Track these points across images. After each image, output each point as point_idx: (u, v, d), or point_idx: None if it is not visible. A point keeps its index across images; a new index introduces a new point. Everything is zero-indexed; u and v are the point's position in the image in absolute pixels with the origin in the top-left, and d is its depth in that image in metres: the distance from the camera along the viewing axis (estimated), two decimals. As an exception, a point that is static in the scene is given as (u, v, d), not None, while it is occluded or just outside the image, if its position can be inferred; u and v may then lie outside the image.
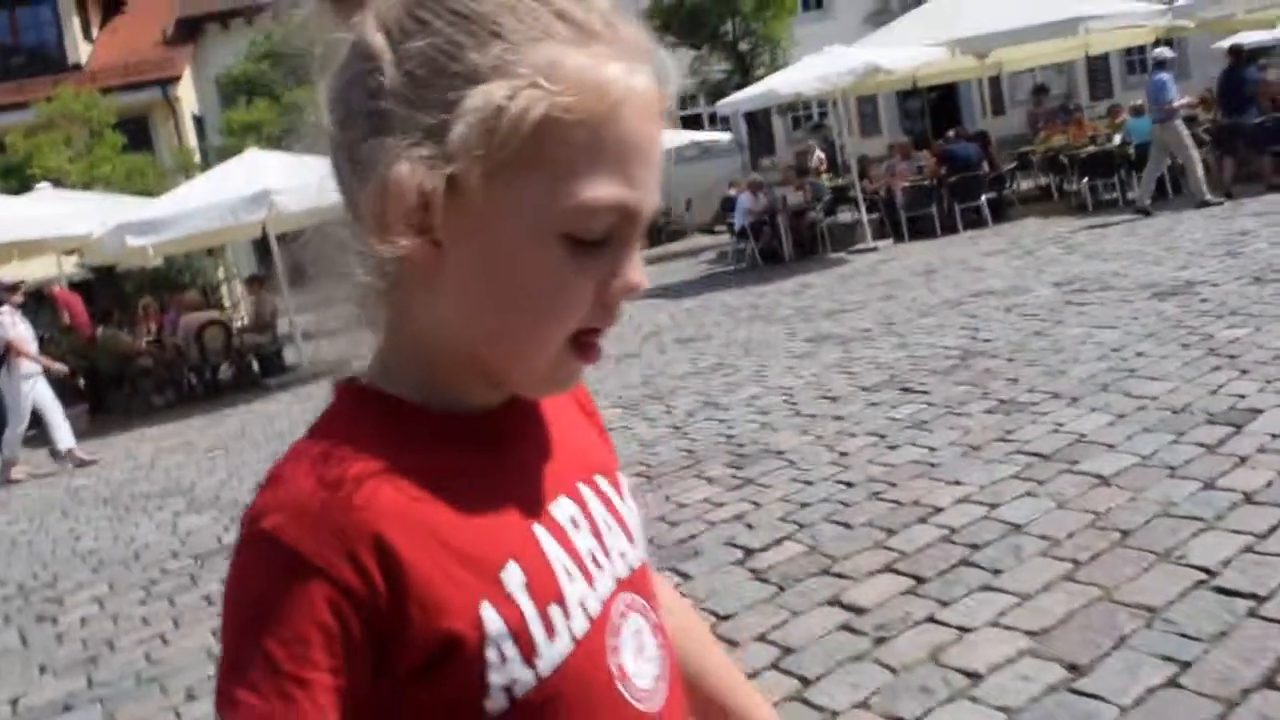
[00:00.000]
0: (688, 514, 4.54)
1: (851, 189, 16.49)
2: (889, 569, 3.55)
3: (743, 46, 20.88)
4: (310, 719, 0.63)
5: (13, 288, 10.40)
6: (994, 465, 4.38)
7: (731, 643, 3.22)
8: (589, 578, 0.74)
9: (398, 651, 0.66)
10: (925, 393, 5.79)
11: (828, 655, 3.04)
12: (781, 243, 15.69)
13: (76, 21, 25.07)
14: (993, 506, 3.93)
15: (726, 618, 3.42)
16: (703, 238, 25.67)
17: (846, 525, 4.03)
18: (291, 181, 10.75)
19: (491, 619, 0.67)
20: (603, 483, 0.82)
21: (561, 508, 0.76)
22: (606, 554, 0.77)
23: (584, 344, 0.72)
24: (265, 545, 0.65)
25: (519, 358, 0.71)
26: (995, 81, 27.29)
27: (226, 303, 19.79)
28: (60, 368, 10.59)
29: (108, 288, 18.61)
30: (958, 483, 4.26)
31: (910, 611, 3.20)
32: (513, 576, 0.69)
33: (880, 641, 3.06)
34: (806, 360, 7.49)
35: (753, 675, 3.00)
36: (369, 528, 0.65)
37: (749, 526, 4.23)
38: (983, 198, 14.54)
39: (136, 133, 21.11)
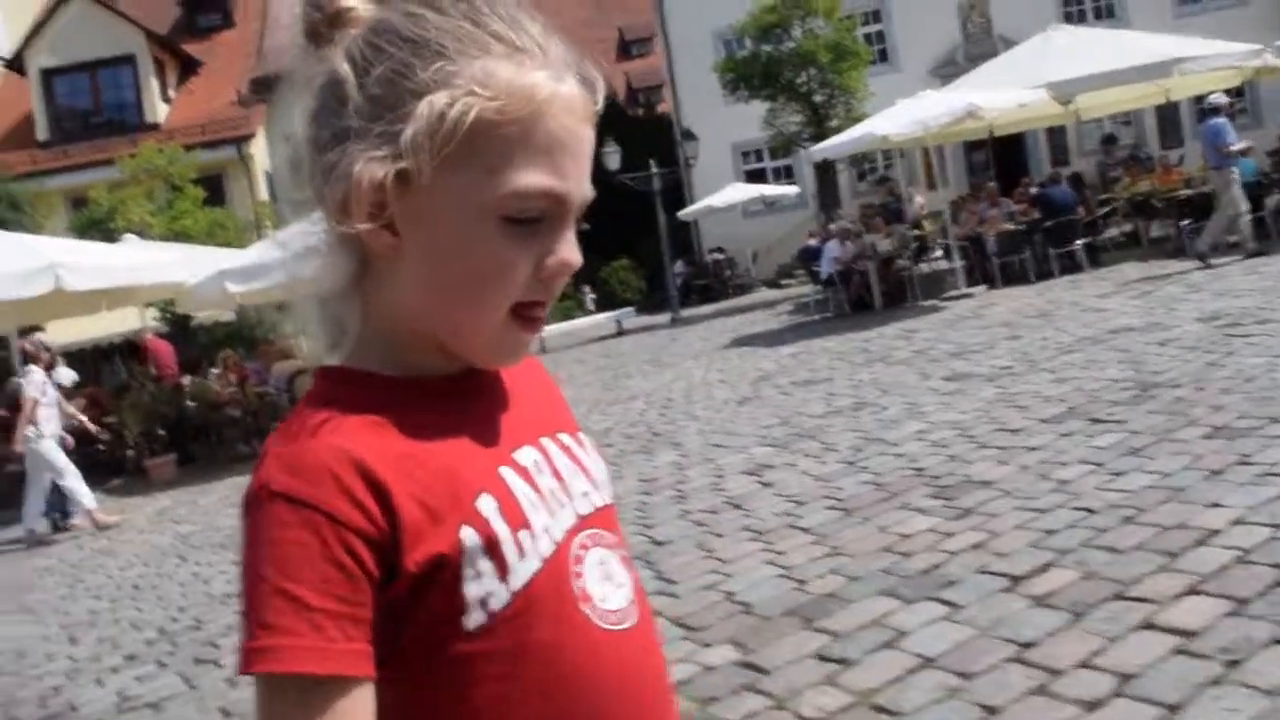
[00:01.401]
0: (918, 544, 4.24)
1: (929, 238, 16.34)
2: (1195, 591, 3.25)
3: (817, 98, 20.77)
4: (341, 642, 0.72)
5: (46, 347, 10.42)
6: (1250, 488, 4.06)
7: (1051, 670, 2.92)
8: (551, 511, 0.84)
9: (396, 574, 0.75)
10: (1121, 422, 5.47)
11: (1179, 680, 2.73)
12: (871, 290, 15.46)
13: (155, 83, 25.55)
14: (1275, 527, 3.62)
15: (1029, 645, 3.12)
16: (770, 291, 25.51)
17: (1114, 550, 3.72)
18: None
19: (470, 537, 0.77)
20: (564, 438, 0.92)
21: (524, 454, 0.86)
22: (568, 494, 0.87)
23: (526, 317, 0.82)
24: (272, 505, 0.74)
25: (469, 329, 0.82)
26: (1059, 132, 27.17)
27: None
28: (91, 427, 10.77)
29: (181, 342, 18.69)
30: (1218, 505, 3.95)
31: (1251, 634, 2.89)
32: (486, 504, 0.80)
33: (1233, 665, 2.75)
34: (959, 397, 7.19)
35: (1097, 704, 2.70)
36: (359, 468, 0.75)
37: (998, 555, 3.92)
38: (1078, 242, 14.25)
39: (211, 189, 21.35)
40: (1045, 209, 14.79)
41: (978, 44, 28.21)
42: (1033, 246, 14.59)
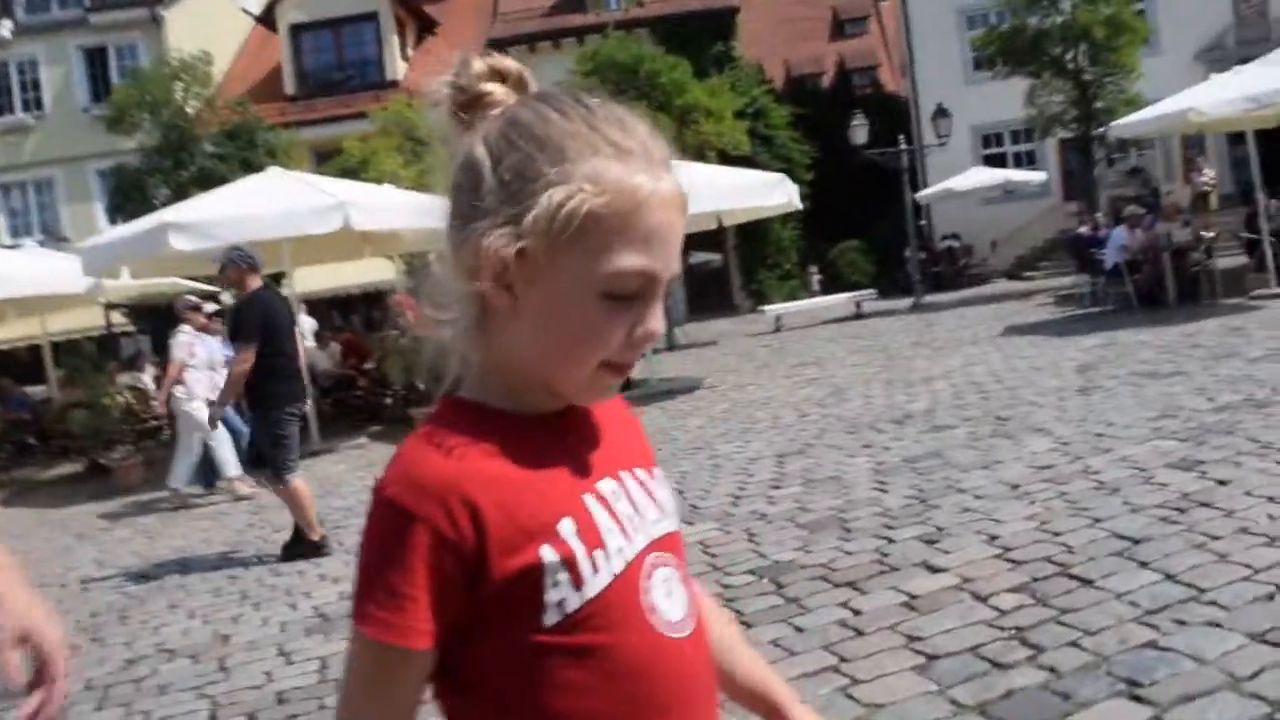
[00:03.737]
0: None
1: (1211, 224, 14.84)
2: None
3: (1087, 76, 19.23)
4: (415, 620, 0.91)
5: (196, 307, 10.00)
6: None
7: None
8: (626, 535, 0.98)
9: (481, 580, 0.92)
10: None
11: None
12: (1163, 284, 14.09)
13: (395, 40, 25.90)
14: None
15: None
16: (1009, 282, 24.04)
17: None
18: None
19: (550, 556, 0.93)
20: (640, 472, 1.06)
21: (606, 484, 1.01)
22: (641, 520, 1.01)
23: (615, 368, 0.98)
24: (386, 508, 0.93)
25: (566, 378, 0.98)
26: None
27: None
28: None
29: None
30: None
31: None
32: (567, 527, 0.95)
33: None
34: None
35: None
36: (460, 489, 0.92)
37: None
38: None
39: (447, 147, 21.33)
40: (1377, 204, 13.16)
41: (1252, 27, 25.92)
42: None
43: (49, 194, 27.78)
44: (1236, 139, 25.08)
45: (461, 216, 0.96)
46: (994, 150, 27.02)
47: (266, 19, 26.23)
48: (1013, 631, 3.54)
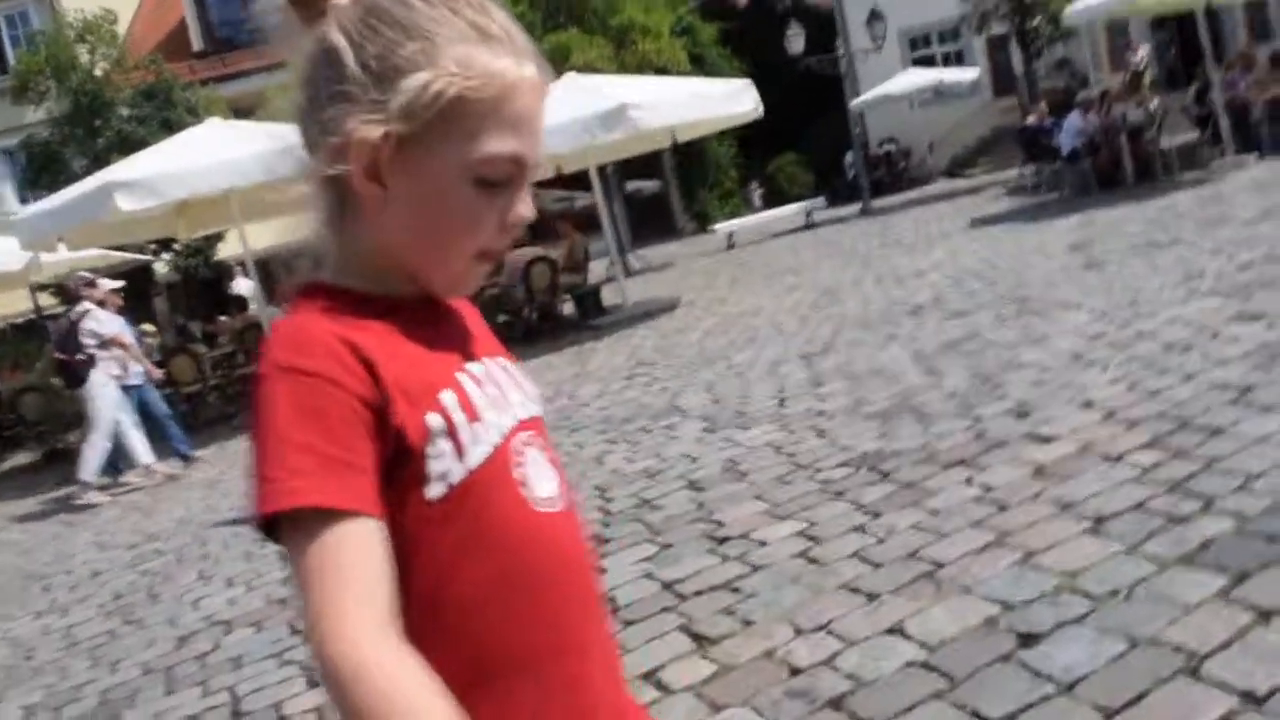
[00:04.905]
0: None
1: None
2: None
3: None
4: (354, 483, 0.86)
5: (91, 283, 9.28)
6: None
7: None
8: (498, 411, 0.98)
9: (384, 438, 0.89)
10: None
11: None
12: (1120, 164, 14.11)
13: None
14: None
15: None
16: (952, 181, 24.04)
17: None
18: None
19: (435, 421, 0.92)
20: (501, 360, 1.07)
21: (475, 366, 1.01)
22: (508, 401, 1.01)
23: (485, 256, 0.99)
24: (280, 375, 0.88)
25: (440, 267, 0.99)
26: (1260, 7, 24.93)
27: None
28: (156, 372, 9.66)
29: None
30: None
31: None
32: (448, 396, 0.95)
33: None
34: None
35: None
36: (352, 347, 0.90)
37: None
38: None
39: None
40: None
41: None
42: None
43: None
44: (1157, 25, 25.36)
45: (319, 105, 0.94)
46: (922, 52, 26.87)
47: (163, -27, 24.98)
48: (1169, 485, 3.37)
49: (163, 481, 8.82)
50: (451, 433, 0.93)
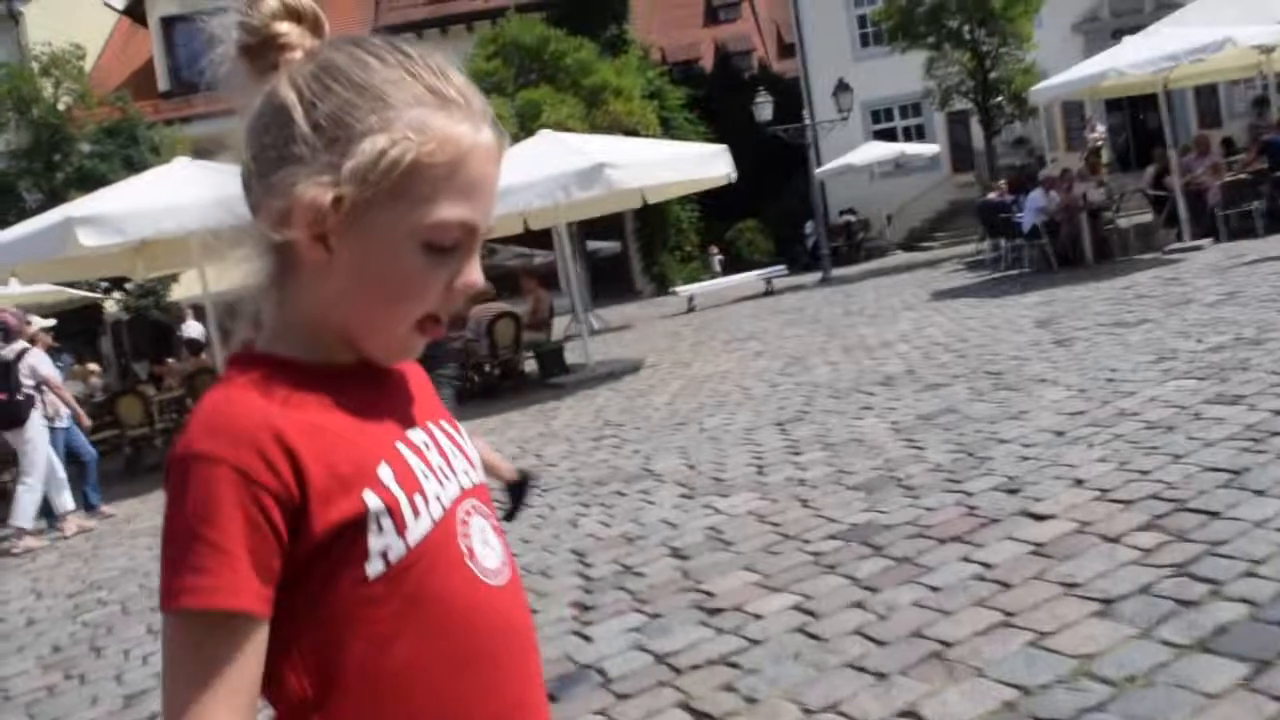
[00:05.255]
0: None
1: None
2: None
3: (985, 46, 19.55)
4: (242, 578, 0.83)
5: (26, 321, 9.02)
6: None
7: None
8: (440, 482, 0.96)
9: (303, 531, 0.86)
10: None
11: None
12: (1080, 244, 14.37)
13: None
14: None
15: None
16: (907, 254, 24.36)
17: None
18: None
19: (373, 500, 0.90)
20: (445, 425, 1.04)
21: (415, 434, 0.99)
22: (452, 470, 0.99)
23: (426, 325, 0.96)
24: (194, 463, 0.85)
25: (380, 333, 0.95)
26: (1209, 94, 25.76)
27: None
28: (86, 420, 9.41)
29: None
30: None
31: None
32: (386, 472, 0.92)
33: None
34: None
35: None
36: (274, 434, 0.86)
37: None
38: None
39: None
40: (1273, 158, 13.67)
41: (1125, 0, 26.80)
42: (1262, 198, 13.47)
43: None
44: (1113, 106, 26.09)
45: (266, 164, 0.91)
46: (884, 125, 27.35)
47: (134, 12, 24.74)
48: (1174, 568, 3.32)
49: (76, 533, 8.48)
50: (391, 509, 0.90)
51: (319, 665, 0.89)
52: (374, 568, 0.89)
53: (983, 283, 14.75)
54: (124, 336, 23.09)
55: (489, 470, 6.01)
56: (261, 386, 0.90)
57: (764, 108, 20.93)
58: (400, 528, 0.90)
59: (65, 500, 8.64)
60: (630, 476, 6.36)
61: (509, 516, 5.94)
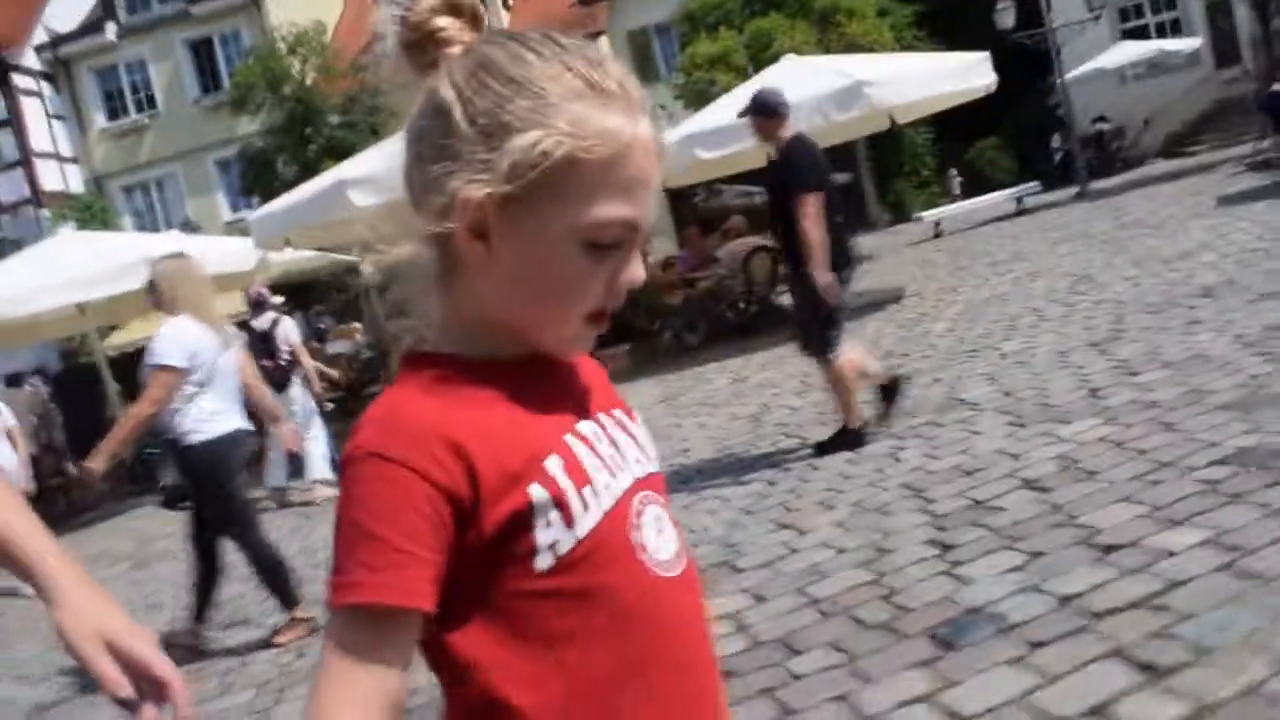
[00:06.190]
0: None
1: None
2: None
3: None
4: (416, 577, 0.85)
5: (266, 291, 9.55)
6: None
7: None
8: (611, 473, 0.95)
9: (474, 529, 0.88)
10: None
11: None
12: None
13: (498, -7, 25.19)
14: None
15: None
16: (1170, 162, 22.44)
17: None
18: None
19: (539, 493, 0.90)
20: (618, 414, 1.04)
21: (585, 426, 0.98)
22: (624, 460, 0.99)
23: (596, 318, 0.95)
24: (371, 462, 0.87)
25: (548, 329, 0.95)
26: None
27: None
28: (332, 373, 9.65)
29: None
30: None
31: None
32: (554, 464, 0.92)
33: None
34: None
35: None
36: (446, 434, 0.88)
37: None
38: None
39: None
40: None
41: None
42: None
43: (172, 189, 27.78)
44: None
45: (426, 161, 0.92)
46: (1134, 23, 25.20)
47: (363, -15, 25.70)
48: None
49: (323, 502, 8.75)
50: (559, 502, 0.90)
51: (491, 666, 0.89)
52: (543, 561, 0.89)
53: (1277, 184, 13.30)
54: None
55: (864, 376, 5.87)
56: (432, 387, 0.91)
57: (1005, 14, 19.61)
58: (568, 520, 0.90)
59: (315, 468, 9.01)
60: (939, 406, 5.96)
61: (881, 419, 5.70)
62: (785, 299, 12.72)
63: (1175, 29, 25.01)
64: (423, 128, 0.93)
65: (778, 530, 4.57)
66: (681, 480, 5.89)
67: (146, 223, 26.87)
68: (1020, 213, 18.76)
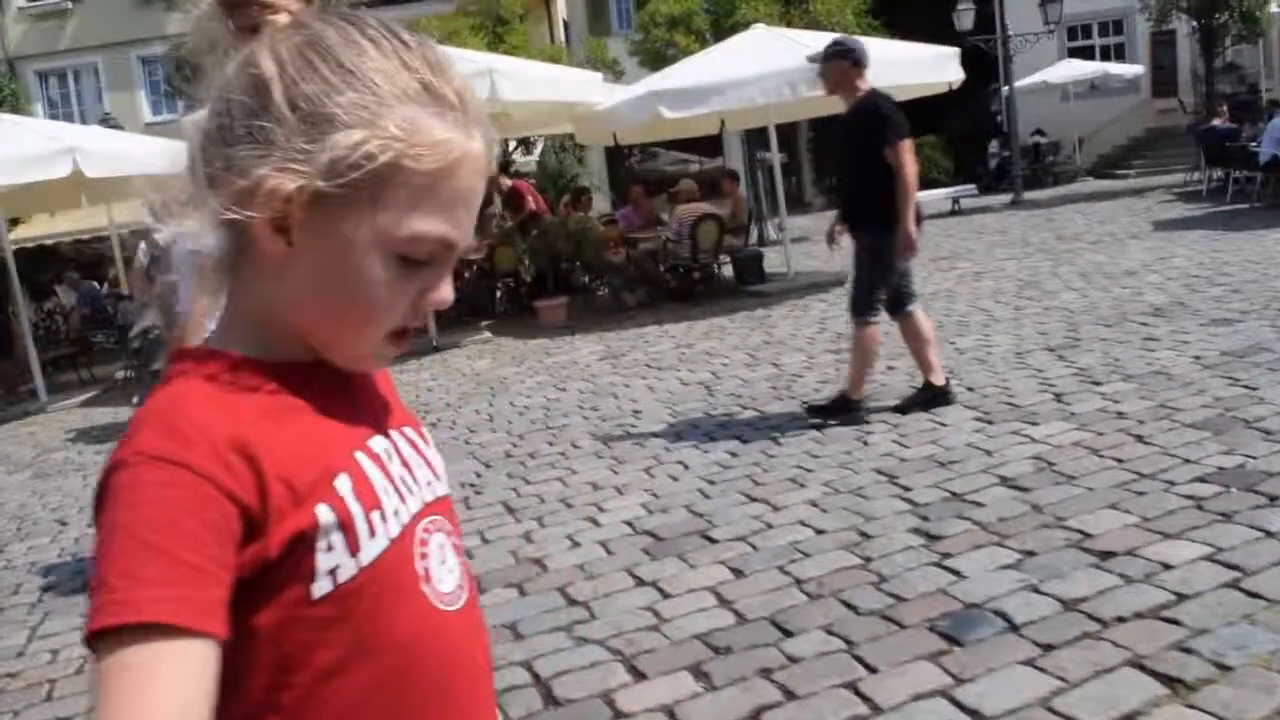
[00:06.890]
0: None
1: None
2: None
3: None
4: (206, 595, 0.71)
5: None
6: None
7: None
8: (401, 496, 0.87)
9: (253, 548, 0.75)
10: None
11: None
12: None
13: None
14: None
15: None
16: (1098, 181, 22.94)
17: None
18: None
19: (326, 514, 0.79)
20: (410, 432, 0.94)
21: (377, 442, 0.88)
22: (415, 481, 0.90)
23: (397, 336, 0.85)
24: (145, 466, 0.74)
25: (343, 343, 0.85)
26: None
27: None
28: None
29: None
30: None
31: None
32: (343, 484, 0.82)
33: None
34: None
35: None
36: (233, 438, 0.76)
37: None
38: None
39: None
40: None
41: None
42: None
43: (89, 81, 26.38)
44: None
45: (232, 138, 0.79)
46: (1081, 43, 25.62)
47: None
48: None
49: None
50: (345, 525, 0.81)
51: (257, 694, 0.79)
52: (320, 588, 0.80)
53: (1209, 215, 13.65)
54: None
55: (926, 364, 5.67)
56: (215, 386, 0.81)
57: (966, 15, 19.74)
58: (352, 546, 0.81)
59: None
60: (902, 394, 5.93)
61: (902, 410, 5.54)
62: (728, 270, 12.71)
63: (1119, 54, 25.50)
64: (232, 101, 0.80)
65: (748, 503, 4.47)
66: (636, 442, 5.77)
67: (60, 113, 25.43)
68: (954, 213, 18.99)
